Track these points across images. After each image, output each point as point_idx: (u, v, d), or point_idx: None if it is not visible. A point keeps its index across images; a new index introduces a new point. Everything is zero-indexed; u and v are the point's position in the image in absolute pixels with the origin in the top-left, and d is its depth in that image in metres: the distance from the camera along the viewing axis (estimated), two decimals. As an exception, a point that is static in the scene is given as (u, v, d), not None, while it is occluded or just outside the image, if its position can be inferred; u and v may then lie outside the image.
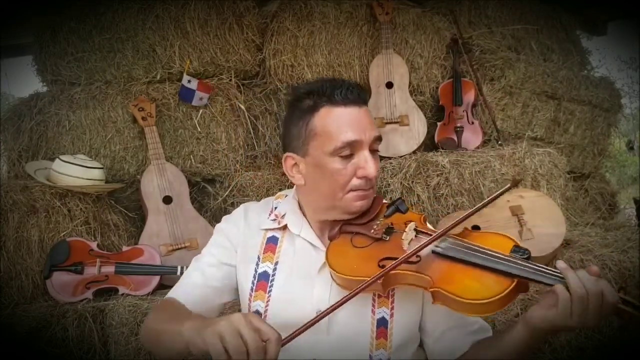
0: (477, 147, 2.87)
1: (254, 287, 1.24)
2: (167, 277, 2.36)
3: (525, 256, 1.06)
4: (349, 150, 1.17)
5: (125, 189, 2.72)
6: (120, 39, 2.73)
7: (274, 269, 1.25)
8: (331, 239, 1.23)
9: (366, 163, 1.18)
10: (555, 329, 1.01)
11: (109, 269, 2.26)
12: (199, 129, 2.75)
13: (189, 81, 2.67)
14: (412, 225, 1.19)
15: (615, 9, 4.29)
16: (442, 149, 2.78)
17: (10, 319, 2.03)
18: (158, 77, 2.76)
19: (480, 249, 1.08)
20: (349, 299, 1.05)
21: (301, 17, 2.97)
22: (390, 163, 2.59)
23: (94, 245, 2.31)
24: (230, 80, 2.88)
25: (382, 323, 1.18)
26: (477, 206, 1.21)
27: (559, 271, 1.01)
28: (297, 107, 1.24)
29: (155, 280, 2.28)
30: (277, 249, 1.27)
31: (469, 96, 3.03)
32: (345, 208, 1.21)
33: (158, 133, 2.60)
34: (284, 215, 1.30)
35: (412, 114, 2.83)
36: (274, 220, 1.31)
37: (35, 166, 2.48)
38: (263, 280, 1.24)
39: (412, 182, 2.48)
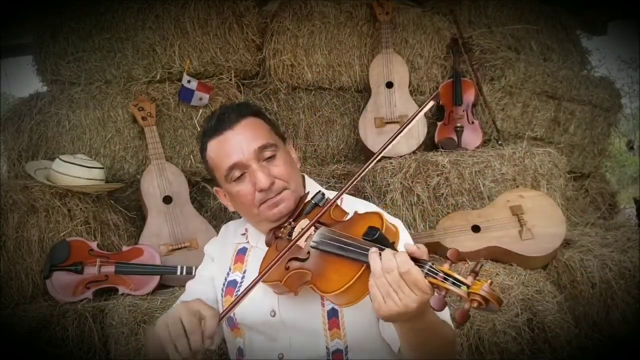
0: (477, 147, 2.87)
1: (223, 293, 1.35)
2: (167, 277, 2.36)
3: (375, 236, 1.04)
4: (238, 172, 1.25)
5: (125, 189, 2.71)
6: (120, 38, 2.73)
7: (242, 277, 1.34)
8: (268, 244, 1.29)
9: (255, 177, 1.23)
10: (380, 315, 0.99)
11: (109, 268, 2.25)
12: (199, 129, 2.74)
13: (189, 81, 2.67)
14: (302, 222, 1.22)
15: (615, 9, 4.29)
16: (442, 149, 2.78)
17: (10, 319, 2.03)
18: (158, 77, 2.76)
19: (339, 238, 1.09)
20: (248, 290, 1.12)
21: (301, 17, 2.97)
22: (391, 163, 2.59)
23: (94, 245, 2.31)
24: (230, 80, 2.88)
25: (332, 314, 1.23)
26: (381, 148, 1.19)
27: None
28: (200, 150, 1.36)
29: (155, 280, 2.28)
30: (245, 259, 1.37)
31: (469, 96, 3.03)
32: (267, 219, 1.28)
33: (158, 133, 2.60)
34: (248, 230, 1.42)
35: (412, 114, 2.83)
36: (243, 234, 1.42)
37: (35, 166, 2.47)
38: (231, 287, 1.34)
39: (412, 182, 2.48)
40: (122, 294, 2.21)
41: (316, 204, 1.22)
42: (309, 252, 1.14)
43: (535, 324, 2.10)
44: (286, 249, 1.13)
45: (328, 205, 1.17)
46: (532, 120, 3.12)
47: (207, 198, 2.77)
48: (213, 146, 1.28)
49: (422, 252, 0.98)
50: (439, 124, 3.00)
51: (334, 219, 1.19)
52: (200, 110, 2.76)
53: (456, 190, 2.49)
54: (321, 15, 2.98)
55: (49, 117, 2.65)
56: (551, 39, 3.54)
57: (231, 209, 1.37)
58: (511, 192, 2.46)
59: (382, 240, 1.03)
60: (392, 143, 1.17)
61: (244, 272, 1.34)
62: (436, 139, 2.97)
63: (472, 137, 2.93)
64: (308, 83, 3.04)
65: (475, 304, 0.88)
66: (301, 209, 1.26)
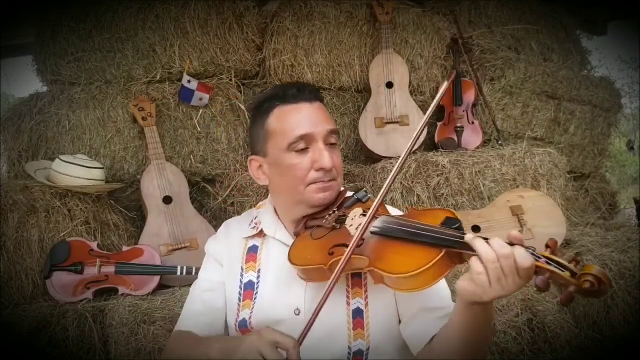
0: (477, 147, 2.87)
1: (241, 297, 1.29)
2: (167, 277, 2.36)
3: (455, 226, 1.05)
4: (303, 144, 1.24)
5: (125, 189, 2.72)
6: (120, 38, 2.73)
7: (258, 277, 1.30)
8: (297, 234, 1.27)
9: (320, 155, 1.23)
10: (482, 300, 0.99)
11: (109, 269, 2.26)
12: (199, 129, 2.75)
13: (189, 81, 2.67)
14: (356, 211, 1.22)
15: (615, 9, 4.29)
16: (442, 149, 2.78)
17: (10, 319, 2.02)
18: (158, 77, 2.76)
19: (411, 224, 1.09)
20: (332, 287, 1.07)
21: (301, 17, 2.97)
22: (390, 163, 2.59)
23: (94, 245, 2.31)
24: (230, 80, 2.88)
25: (357, 313, 1.22)
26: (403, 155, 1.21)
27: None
28: (256, 112, 1.32)
29: (155, 280, 2.28)
30: (258, 257, 1.32)
31: (469, 96, 3.03)
32: (309, 201, 1.26)
33: (158, 133, 2.60)
34: (261, 221, 1.37)
35: (412, 114, 2.83)
36: (253, 227, 1.37)
37: (35, 166, 2.47)
38: (249, 289, 1.29)
39: (412, 182, 2.48)
40: (122, 294, 2.21)
41: (359, 199, 1.23)
42: (362, 239, 1.13)
43: (535, 324, 2.10)
44: (359, 233, 1.10)
45: (383, 191, 1.15)
46: (532, 120, 3.12)
47: (207, 198, 2.77)
48: (285, 111, 1.26)
49: (523, 239, 1.01)
50: (439, 124, 3.00)
51: (381, 213, 1.20)
52: (200, 110, 2.76)
53: (456, 190, 2.49)
54: (321, 15, 2.98)
55: (49, 117, 2.64)
56: (551, 39, 3.54)
57: (261, 182, 1.32)
58: (511, 192, 2.46)
59: (462, 230, 1.04)
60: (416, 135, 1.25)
61: (258, 270, 1.30)
62: (436, 139, 2.97)
63: (472, 137, 2.93)
64: (308, 83, 3.04)
65: (587, 285, 0.90)
66: (341, 202, 1.27)
